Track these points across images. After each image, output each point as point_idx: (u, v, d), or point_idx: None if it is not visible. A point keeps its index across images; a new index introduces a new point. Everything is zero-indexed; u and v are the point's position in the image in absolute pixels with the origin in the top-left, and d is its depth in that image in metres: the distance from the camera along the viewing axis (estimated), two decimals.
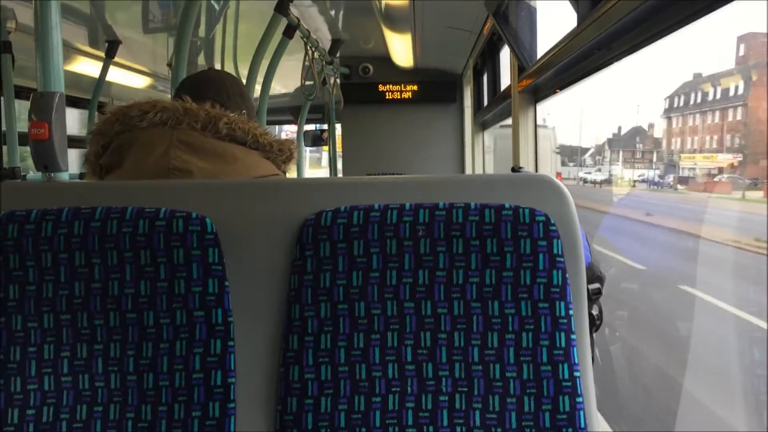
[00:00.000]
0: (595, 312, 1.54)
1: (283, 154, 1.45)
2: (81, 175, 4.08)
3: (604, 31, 1.85)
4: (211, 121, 1.37)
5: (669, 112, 9.60)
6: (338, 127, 6.56)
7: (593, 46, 2.03)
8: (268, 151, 1.42)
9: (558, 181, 1.15)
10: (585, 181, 12.86)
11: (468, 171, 6.15)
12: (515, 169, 1.90)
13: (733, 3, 1.41)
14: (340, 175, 6.54)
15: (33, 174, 3.61)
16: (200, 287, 1.10)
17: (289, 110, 6.92)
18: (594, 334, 1.54)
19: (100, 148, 1.38)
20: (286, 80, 5.68)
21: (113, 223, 1.09)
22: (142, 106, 1.36)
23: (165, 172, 1.34)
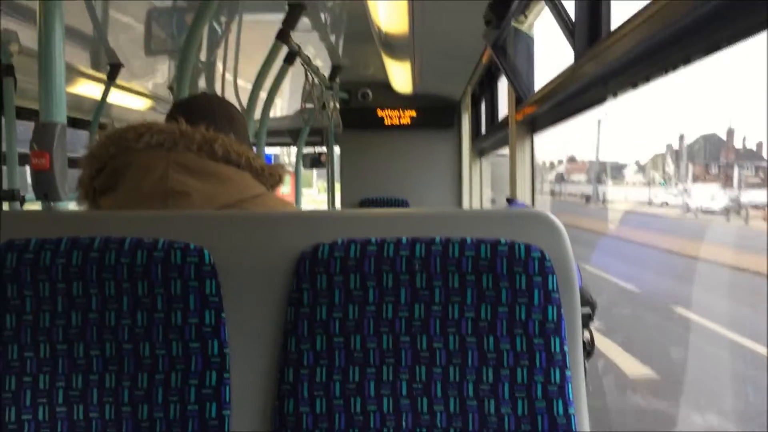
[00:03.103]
0: (586, 338, 1.53)
1: (273, 178, 1.47)
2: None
3: (601, 69, 1.88)
4: (207, 143, 1.38)
5: None
6: (337, 149, 6.61)
7: (590, 83, 2.06)
8: (259, 174, 1.43)
9: (553, 217, 1.15)
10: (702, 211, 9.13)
11: (465, 197, 6.17)
12: (510, 200, 1.91)
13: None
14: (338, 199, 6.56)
15: (31, 195, 3.61)
16: (197, 319, 1.10)
17: (288, 133, 6.97)
18: (586, 363, 1.53)
19: (94, 171, 1.38)
20: (286, 103, 5.71)
21: (111, 253, 1.09)
22: (138, 129, 1.37)
23: (163, 194, 1.33)
